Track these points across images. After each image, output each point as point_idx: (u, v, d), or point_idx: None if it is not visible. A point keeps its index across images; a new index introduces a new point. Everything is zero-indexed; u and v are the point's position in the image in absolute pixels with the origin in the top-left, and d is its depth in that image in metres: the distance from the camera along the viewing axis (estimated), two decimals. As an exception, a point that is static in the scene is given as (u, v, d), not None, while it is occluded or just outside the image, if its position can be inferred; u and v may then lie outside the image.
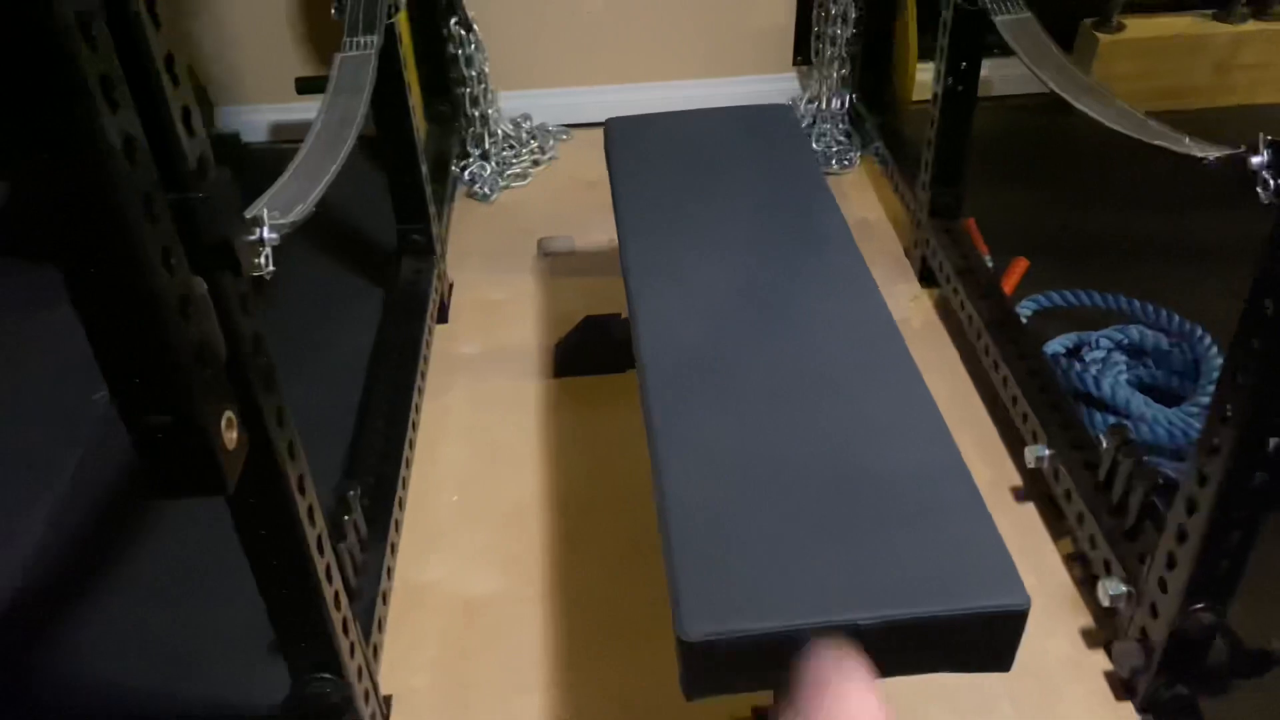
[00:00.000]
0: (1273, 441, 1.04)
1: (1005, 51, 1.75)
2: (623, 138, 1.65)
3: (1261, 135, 0.93)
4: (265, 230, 0.90)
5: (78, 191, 0.67)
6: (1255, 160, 0.93)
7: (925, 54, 2.32)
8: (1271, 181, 0.92)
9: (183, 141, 0.78)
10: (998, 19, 1.56)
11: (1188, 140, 1.12)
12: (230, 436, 0.83)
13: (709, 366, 1.18)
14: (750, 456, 1.05)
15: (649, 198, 1.49)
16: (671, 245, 1.38)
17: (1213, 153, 1.03)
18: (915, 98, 2.40)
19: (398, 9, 1.66)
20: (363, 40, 1.57)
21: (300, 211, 1.08)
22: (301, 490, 1.01)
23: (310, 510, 1.04)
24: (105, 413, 1.78)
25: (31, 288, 1.96)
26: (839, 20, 2.38)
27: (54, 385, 1.83)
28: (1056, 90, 1.36)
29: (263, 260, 0.89)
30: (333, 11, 1.64)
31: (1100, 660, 1.34)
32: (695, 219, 1.43)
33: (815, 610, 0.90)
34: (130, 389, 0.76)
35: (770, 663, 0.91)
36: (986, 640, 0.93)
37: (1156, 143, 1.14)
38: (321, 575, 1.07)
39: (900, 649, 0.92)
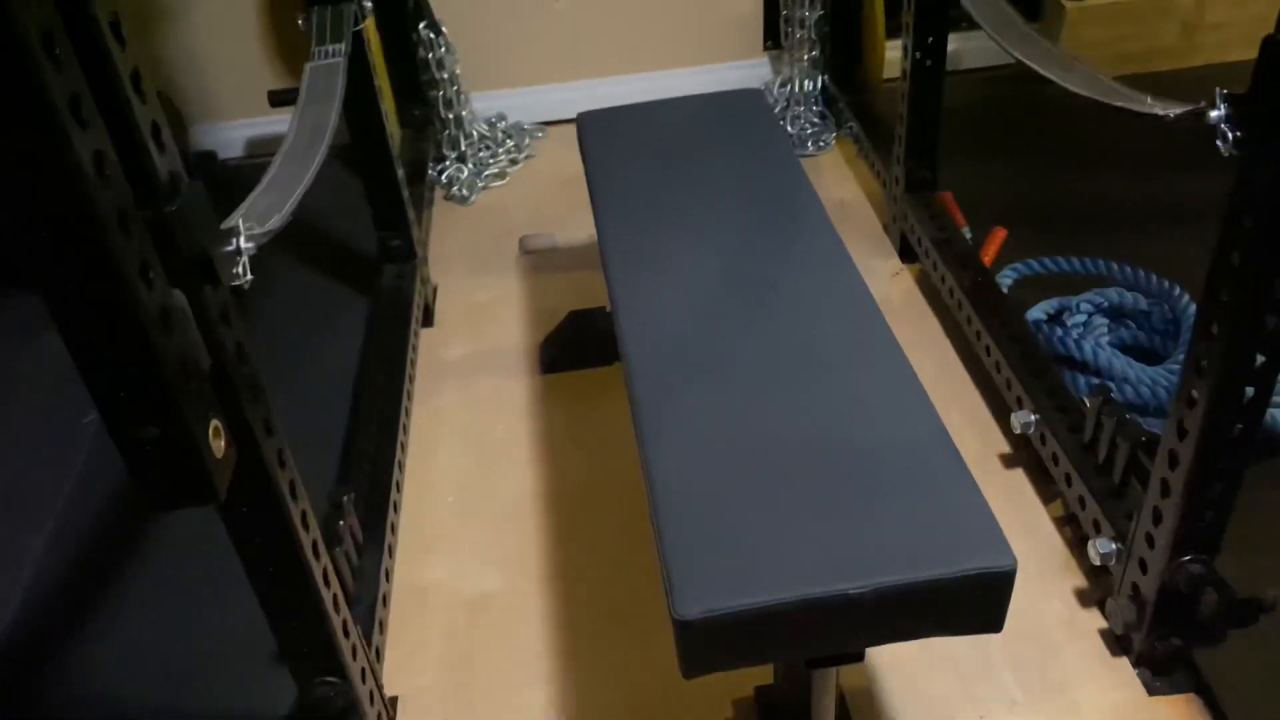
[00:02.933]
0: (1248, 391, 1.05)
1: (973, 25, 1.77)
2: (596, 131, 1.66)
3: (1218, 90, 0.95)
4: (242, 240, 0.91)
5: (51, 209, 0.68)
6: (1214, 115, 0.94)
7: (893, 32, 2.33)
8: (1230, 134, 0.94)
9: (154, 157, 0.79)
10: (960, -9, 1.57)
11: (1149, 100, 1.13)
12: (218, 445, 0.84)
13: (691, 353, 1.19)
14: (736, 437, 1.07)
15: (625, 189, 1.50)
16: (650, 235, 1.39)
17: (1174, 109, 1.04)
18: (886, 76, 2.41)
19: (365, 16, 1.67)
20: (331, 49, 1.57)
21: (277, 221, 1.09)
22: (294, 496, 1.02)
23: (304, 516, 1.05)
24: (97, 435, 1.79)
25: (21, 315, 1.97)
26: (807, 3, 2.40)
27: (46, 410, 1.84)
28: (1021, 59, 1.37)
29: (241, 270, 0.90)
30: (299, 22, 1.64)
31: (1095, 619, 1.36)
32: (672, 208, 1.44)
33: (806, 582, 0.91)
34: (116, 404, 0.77)
35: (765, 637, 0.93)
36: (976, 602, 0.94)
37: (1119, 104, 1.16)
38: (319, 580, 1.08)
39: (892, 616, 0.93)
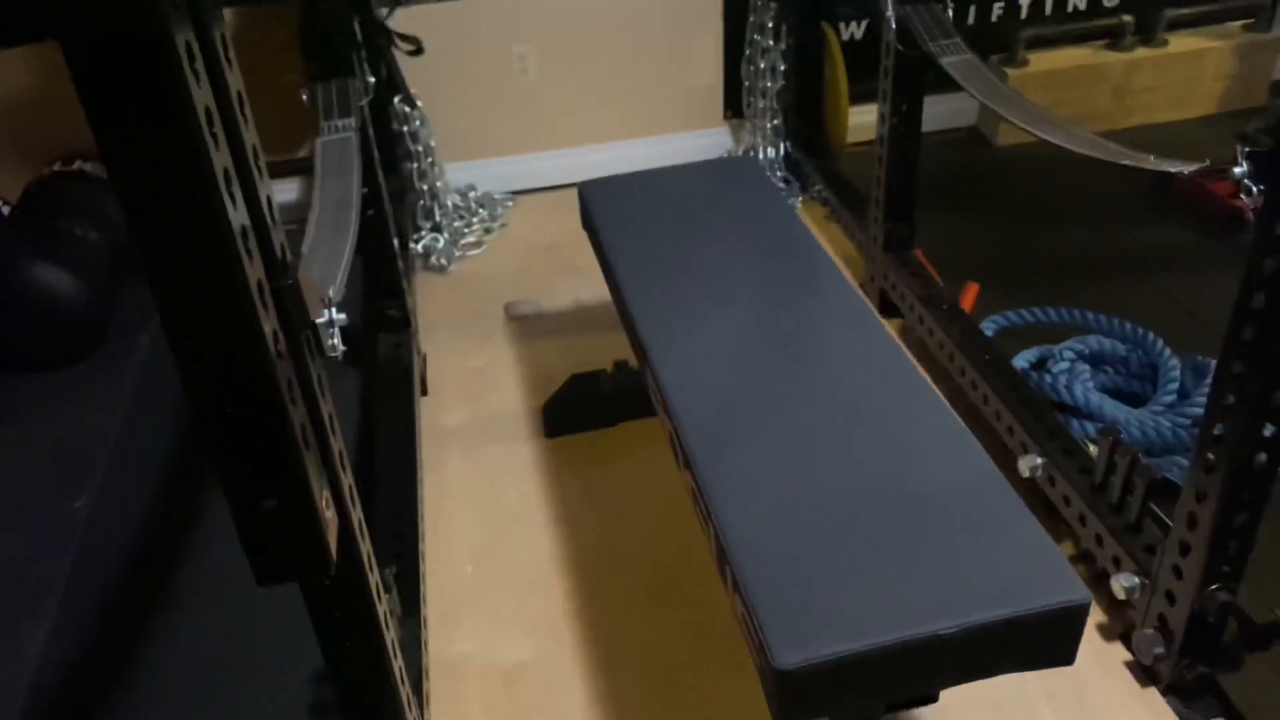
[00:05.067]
0: (1269, 427, 1.13)
1: (930, 90, 1.88)
2: (600, 199, 1.70)
3: (1240, 147, 1.03)
4: (333, 311, 0.92)
5: (202, 282, 0.68)
6: (1237, 171, 1.02)
7: (856, 99, 2.45)
8: (1254, 188, 1.02)
9: (271, 231, 0.80)
10: (944, 60, 1.66)
11: (1152, 158, 1.22)
12: (328, 516, 0.84)
13: (739, 406, 1.22)
14: (799, 488, 1.10)
15: (641, 253, 1.54)
16: (675, 295, 1.43)
17: (1185, 168, 1.12)
18: (850, 140, 2.52)
19: (370, 92, 1.69)
20: (340, 123, 1.59)
21: (336, 292, 1.10)
22: (371, 568, 1.02)
23: (378, 587, 1.04)
24: (88, 520, 1.73)
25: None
26: (769, 73, 2.50)
27: (31, 494, 1.77)
28: (1018, 123, 1.46)
29: (336, 342, 0.91)
30: (304, 97, 1.66)
31: (1119, 651, 1.41)
32: (692, 268, 1.48)
33: (896, 625, 0.94)
34: (242, 475, 0.76)
35: (858, 682, 0.95)
36: (1053, 636, 0.98)
37: (1124, 163, 1.24)
38: (390, 652, 1.06)
39: (977, 654, 0.97)
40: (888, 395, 1.22)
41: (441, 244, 2.44)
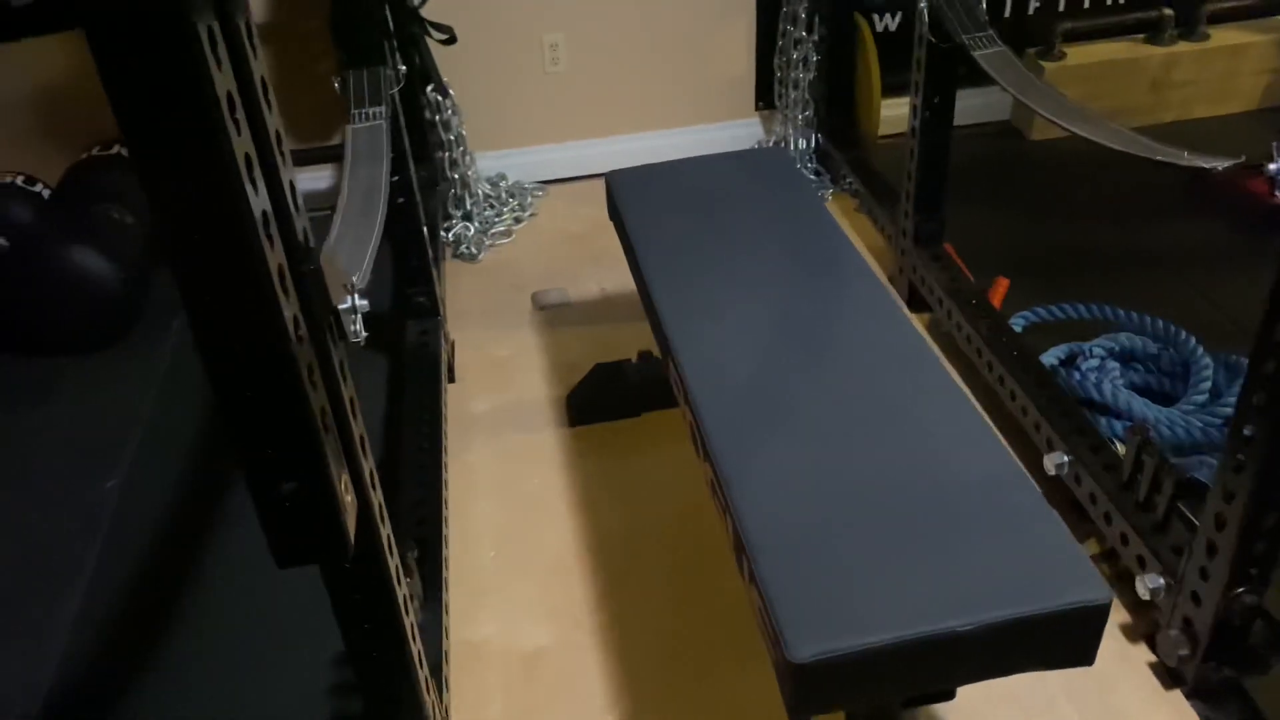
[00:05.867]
0: (1300, 426, 1.11)
1: (965, 84, 1.86)
2: (628, 189, 1.70)
3: (1275, 144, 1.01)
4: (357, 298, 0.92)
5: (224, 268, 0.69)
6: (1271, 167, 1.01)
7: (888, 91, 2.43)
8: (1288, 185, 1.00)
9: (294, 217, 0.80)
10: (977, 54, 1.65)
11: (1187, 154, 1.20)
12: (347, 500, 0.85)
13: (760, 399, 1.22)
14: (819, 481, 1.09)
15: (667, 243, 1.54)
16: (699, 286, 1.43)
17: (1220, 164, 1.11)
18: (883, 133, 2.50)
19: (400, 80, 1.70)
20: (371, 111, 1.60)
21: (361, 278, 1.11)
22: (390, 551, 1.03)
23: (397, 571, 1.05)
24: (119, 500, 1.76)
25: (33, 379, 1.94)
26: (801, 64, 2.48)
27: (63, 475, 1.80)
28: (1050, 117, 1.44)
29: (358, 327, 0.92)
30: (335, 84, 1.67)
31: (1143, 653, 1.39)
32: (716, 259, 1.48)
33: (914, 621, 0.94)
34: (263, 458, 0.77)
35: (873, 676, 0.95)
36: (1073, 636, 0.98)
37: (1158, 158, 1.22)
38: (410, 636, 1.08)
39: (994, 651, 0.96)
40: (912, 390, 1.21)
41: (472, 232, 2.46)
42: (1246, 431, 1.14)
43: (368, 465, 0.96)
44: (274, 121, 0.78)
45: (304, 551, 0.82)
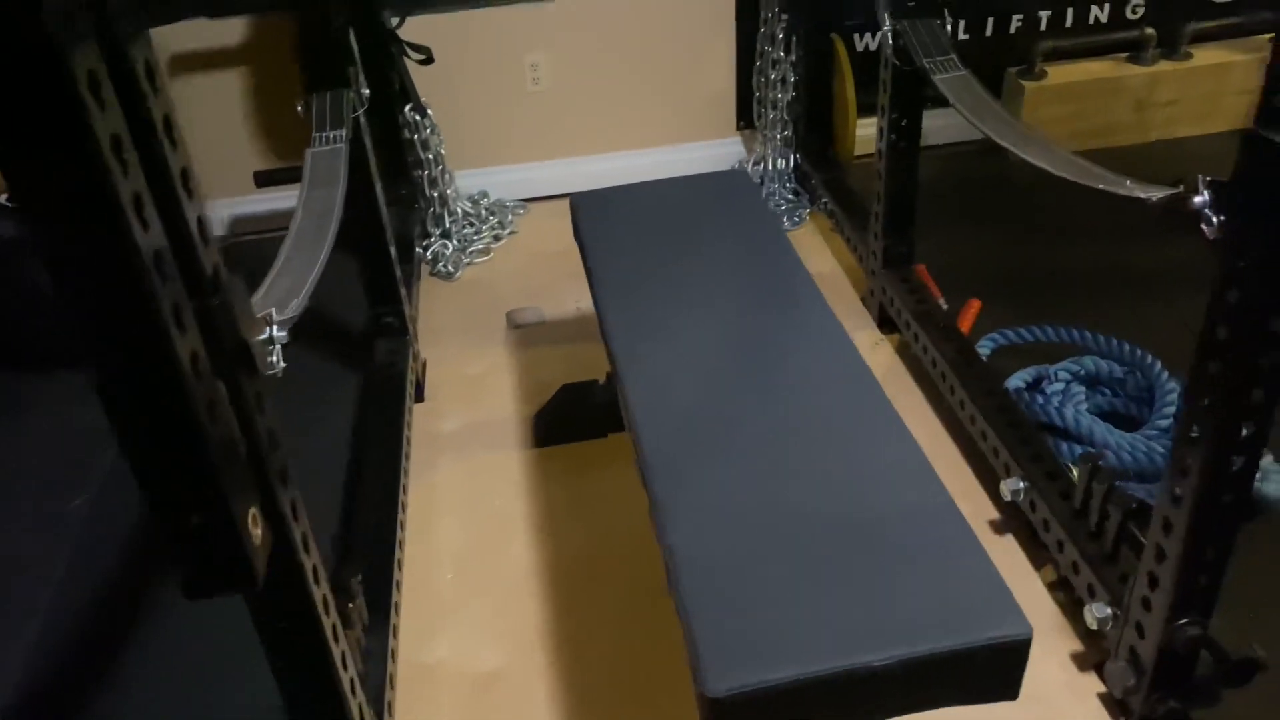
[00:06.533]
0: (1236, 460, 1.10)
1: (939, 104, 1.85)
2: (590, 211, 1.71)
3: (1200, 176, 1.01)
4: (274, 329, 0.93)
5: (114, 307, 0.70)
6: (1197, 200, 1.00)
7: (864, 111, 2.43)
8: (1215, 218, 1.00)
9: (199, 251, 0.81)
10: (937, 78, 1.65)
11: (1129, 183, 1.20)
12: (256, 533, 0.85)
13: (701, 425, 1.22)
14: (750, 510, 1.09)
15: (623, 266, 1.54)
16: (650, 310, 1.43)
17: (1155, 194, 1.10)
18: (858, 153, 2.50)
19: (364, 103, 1.71)
20: (331, 135, 1.61)
21: (296, 306, 1.11)
22: (317, 581, 1.03)
23: (325, 600, 1.05)
24: (87, 517, 1.77)
25: (3, 395, 1.96)
26: (779, 84, 2.49)
27: (31, 492, 1.81)
28: (1001, 142, 1.44)
29: (275, 359, 0.92)
30: (299, 108, 1.68)
31: (1093, 682, 1.38)
32: (669, 283, 1.48)
33: (830, 656, 0.93)
34: (164, 492, 0.78)
35: (790, 711, 0.95)
36: (994, 670, 0.97)
37: (1100, 186, 1.22)
38: (339, 664, 1.08)
39: (913, 687, 0.96)
40: (852, 419, 1.21)
41: (450, 250, 2.47)
42: (1186, 462, 1.13)
43: (288, 496, 0.96)
44: (179, 159, 0.78)
45: (210, 584, 0.82)
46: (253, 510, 0.85)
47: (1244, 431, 1.08)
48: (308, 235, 1.35)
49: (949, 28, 1.77)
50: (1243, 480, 1.11)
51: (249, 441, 0.88)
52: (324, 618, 1.04)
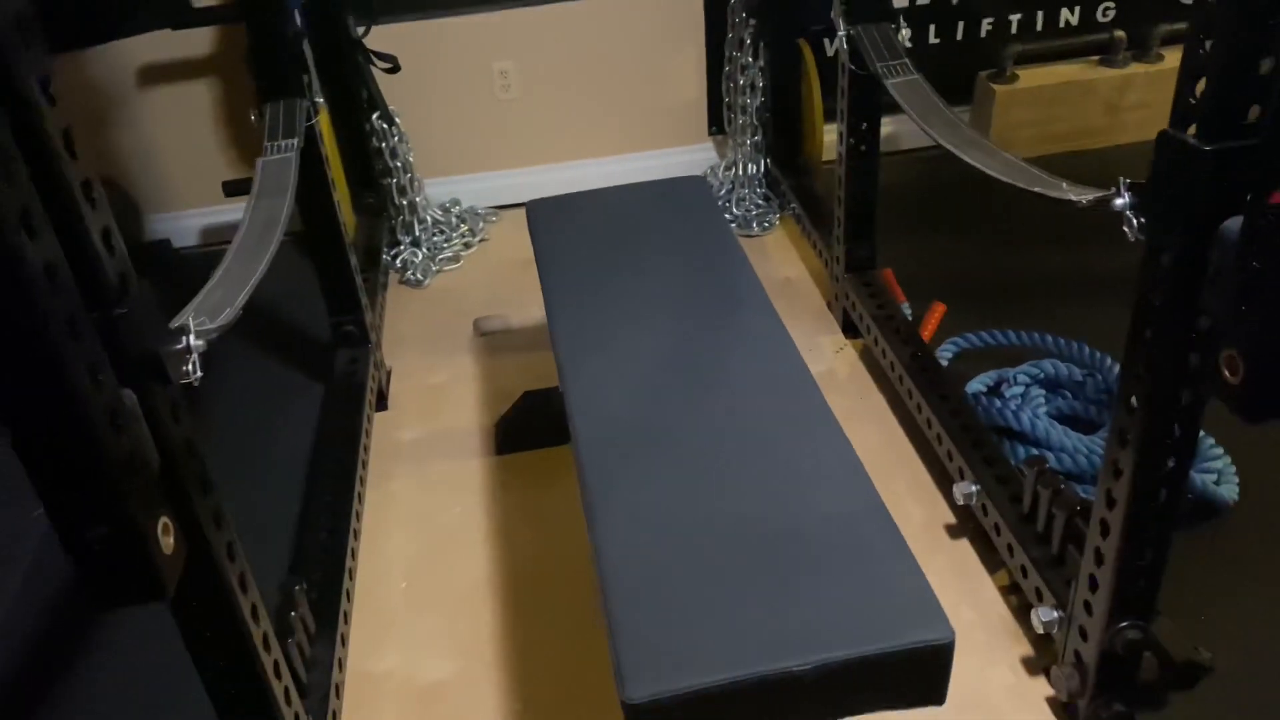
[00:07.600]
0: (1169, 461, 1.10)
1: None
2: (545, 218, 1.71)
3: (1121, 179, 1.01)
4: (191, 338, 0.93)
5: (1, 316, 0.70)
6: (1118, 202, 1.00)
7: (831, 116, 2.42)
8: (1135, 220, 1.00)
9: (103, 261, 0.81)
10: (889, 82, 1.65)
11: (1064, 185, 1.20)
12: (166, 542, 0.85)
13: (638, 433, 1.22)
14: (681, 517, 1.09)
15: (573, 274, 1.54)
16: (598, 318, 1.43)
17: (1086, 196, 1.10)
18: (826, 158, 2.50)
19: (316, 112, 1.71)
20: (283, 144, 1.61)
21: (228, 316, 1.11)
22: (244, 589, 1.03)
23: (254, 609, 1.05)
24: (46, 530, 1.77)
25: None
26: (748, 90, 2.49)
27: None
28: (945, 144, 1.44)
29: (191, 368, 0.92)
30: (252, 118, 1.68)
31: (1042, 686, 1.38)
32: (619, 292, 1.48)
33: (750, 661, 0.93)
34: (65, 503, 0.78)
35: (712, 717, 0.94)
36: (918, 675, 0.97)
37: (1035, 189, 1.22)
38: (270, 673, 1.08)
39: (835, 692, 0.95)
40: (788, 425, 1.21)
41: (419, 258, 2.47)
42: (1119, 464, 1.13)
43: (209, 504, 0.96)
44: (79, 172, 0.78)
45: (115, 595, 0.82)
46: (163, 519, 0.85)
47: (1176, 431, 1.08)
48: (250, 245, 1.35)
49: (902, 33, 1.77)
50: (1176, 480, 1.11)
51: (163, 451, 0.88)
52: (253, 626, 1.04)
